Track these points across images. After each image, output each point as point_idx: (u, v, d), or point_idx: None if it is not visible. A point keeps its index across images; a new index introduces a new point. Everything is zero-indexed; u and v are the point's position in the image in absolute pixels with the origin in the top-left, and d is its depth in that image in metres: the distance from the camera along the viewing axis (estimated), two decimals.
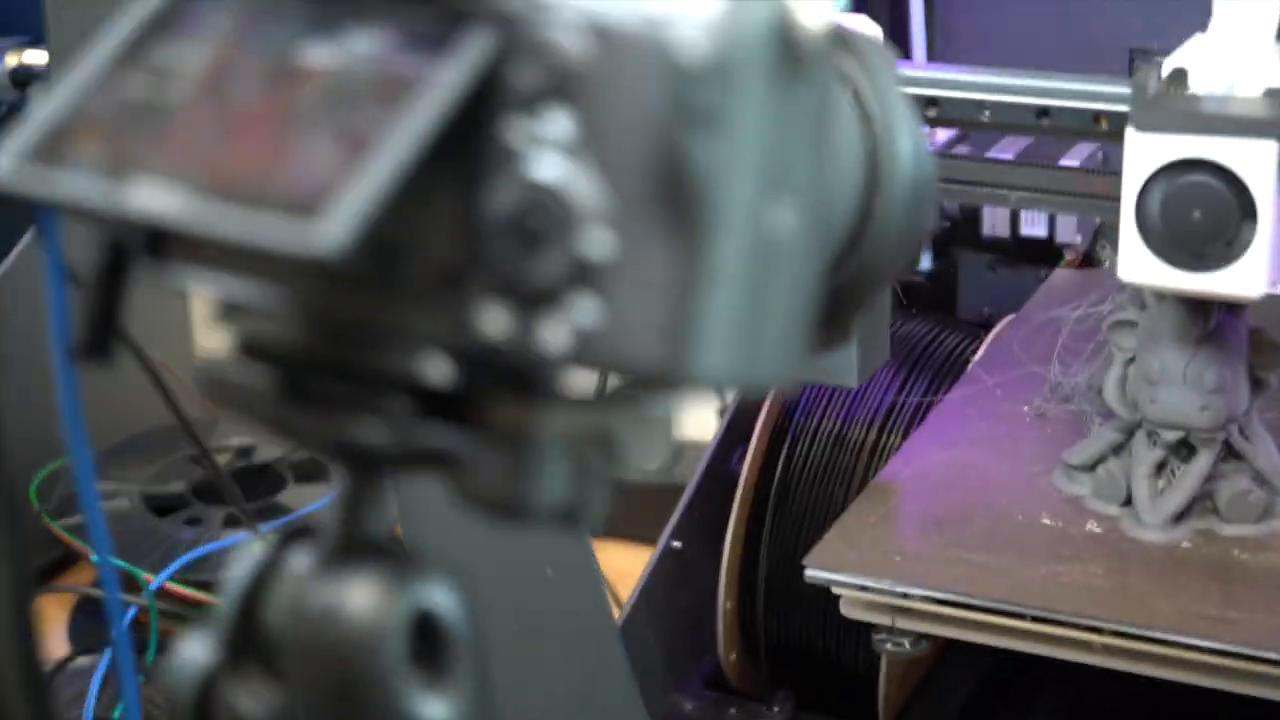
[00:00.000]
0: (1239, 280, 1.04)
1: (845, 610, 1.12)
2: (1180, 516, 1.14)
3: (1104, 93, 1.22)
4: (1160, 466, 1.15)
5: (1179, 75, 1.06)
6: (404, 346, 0.45)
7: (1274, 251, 1.03)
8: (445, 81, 0.42)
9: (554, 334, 0.43)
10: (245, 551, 0.50)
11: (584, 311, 0.42)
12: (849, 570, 1.11)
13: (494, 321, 0.43)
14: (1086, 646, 1.06)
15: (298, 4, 0.45)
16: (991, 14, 1.65)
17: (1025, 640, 1.08)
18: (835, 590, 1.11)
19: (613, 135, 0.42)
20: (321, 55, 0.43)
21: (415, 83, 0.42)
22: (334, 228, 0.39)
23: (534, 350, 0.43)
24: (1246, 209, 1.02)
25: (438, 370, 0.45)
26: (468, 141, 0.43)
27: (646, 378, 0.43)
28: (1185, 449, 1.14)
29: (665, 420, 0.49)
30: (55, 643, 1.61)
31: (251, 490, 1.63)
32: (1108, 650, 1.05)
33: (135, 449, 1.75)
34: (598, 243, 0.42)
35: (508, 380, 0.45)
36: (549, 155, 0.42)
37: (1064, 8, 1.60)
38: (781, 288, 0.44)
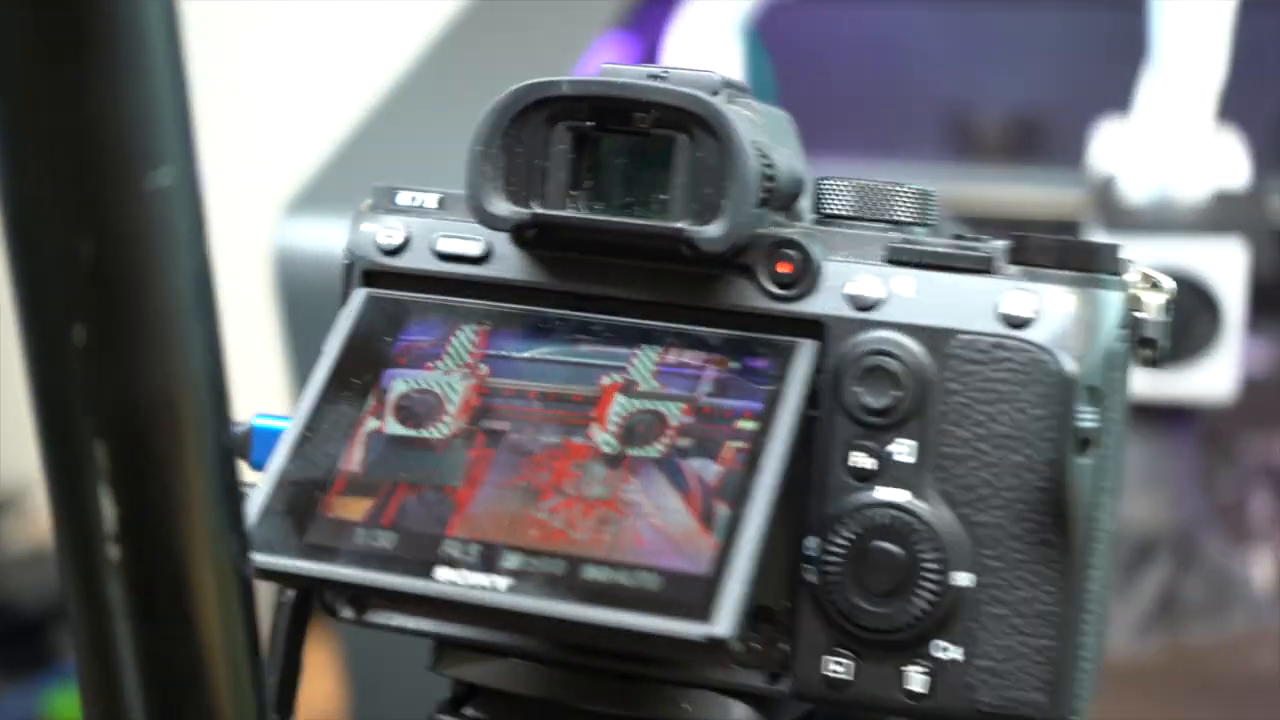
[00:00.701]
0: (1211, 383, 1.02)
1: None
2: (1145, 625, 1.11)
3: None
4: (1120, 574, 1.13)
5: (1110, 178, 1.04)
6: (700, 697, 0.39)
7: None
8: (785, 423, 0.35)
9: (908, 680, 0.37)
10: None
11: (943, 653, 0.36)
12: None
13: (834, 670, 0.37)
14: None
15: (545, 318, 0.38)
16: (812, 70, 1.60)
17: None
18: None
19: (965, 451, 0.36)
20: (605, 380, 0.37)
21: (746, 417, 0.35)
22: (723, 616, 0.33)
23: (882, 700, 0.37)
24: (1217, 312, 1.01)
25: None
26: (800, 469, 0.37)
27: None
28: (1144, 554, 1.12)
29: None
30: None
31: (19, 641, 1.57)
32: None
33: None
34: (957, 575, 0.36)
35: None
36: (891, 478, 0.36)
37: (884, 64, 1.54)
38: (1112, 583, 0.39)
